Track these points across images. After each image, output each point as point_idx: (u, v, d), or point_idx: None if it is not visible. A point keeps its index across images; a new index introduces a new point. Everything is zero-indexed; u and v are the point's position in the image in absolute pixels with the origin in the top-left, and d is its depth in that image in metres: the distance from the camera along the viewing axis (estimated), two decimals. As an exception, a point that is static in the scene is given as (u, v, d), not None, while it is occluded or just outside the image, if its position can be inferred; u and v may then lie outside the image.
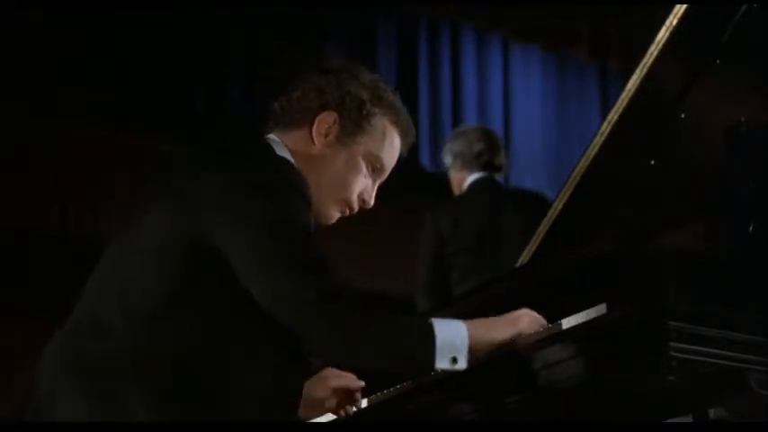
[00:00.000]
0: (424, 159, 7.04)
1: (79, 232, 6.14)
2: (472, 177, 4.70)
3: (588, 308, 1.99)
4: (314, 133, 2.26)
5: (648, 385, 1.94)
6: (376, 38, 7.24)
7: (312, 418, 2.46)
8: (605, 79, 7.92)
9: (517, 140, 7.60)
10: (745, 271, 2.01)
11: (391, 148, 2.30)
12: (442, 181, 5.04)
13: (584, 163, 2.80)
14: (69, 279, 2.56)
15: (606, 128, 2.75)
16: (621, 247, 2.14)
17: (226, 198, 2.07)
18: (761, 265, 2.03)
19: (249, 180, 2.09)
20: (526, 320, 2.13)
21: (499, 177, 4.82)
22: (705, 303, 1.93)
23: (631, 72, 2.70)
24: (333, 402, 2.43)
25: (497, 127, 7.15)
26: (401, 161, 2.36)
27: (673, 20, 2.61)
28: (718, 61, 2.59)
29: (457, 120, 7.27)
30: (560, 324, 2.04)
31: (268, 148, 2.21)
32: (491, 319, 2.14)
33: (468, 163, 4.71)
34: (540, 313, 2.14)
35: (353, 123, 2.26)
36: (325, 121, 2.25)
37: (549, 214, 2.89)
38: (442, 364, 2.04)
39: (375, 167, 2.29)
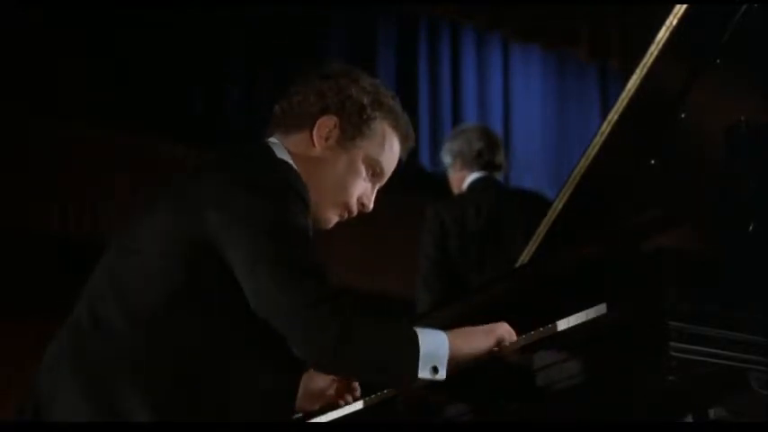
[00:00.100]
0: (424, 159, 7.04)
1: (79, 232, 6.14)
2: (472, 177, 4.69)
3: (588, 308, 1.99)
4: (314, 136, 2.26)
5: (648, 385, 1.94)
6: (376, 38, 7.23)
7: (314, 410, 2.47)
8: (605, 79, 7.92)
9: (517, 140, 7.60)
10: (745, 271, 2.01)
11: (391, 153, 2.31)
12: (441, 181, 5.04)
13: (584, 163, 2.80)
14: (69, 279, 2.56)
15: (606, 128, 2.75)
16: (622, 246, 2.14)
17: (225, 197, 2.08)
18: (761, 265, 2.03)
19: (249, 180, 2.10)
20: (504, 329, 2.15)
21: (499, 176, 4.82)
22: (705, 303, 1.93)
23: (631, 72, 2.70)
24: (332, 391, 2.44)
25: (497, 127, 7.15)
26: (401, 161, 2.37)
27: (673, 20, 2.61)
28: (718, 61, 2.58)
29: (457, 119, 7.26)
30: (555, 326, 2.04)
31: (268, 151, 2.22)
32: (468, 328, 2.15)
33: (468, 162, 4.70)
34: (540, 313, 2.14)
35: (354, 127, 2.26)
36: (326, 125, 2.26)
37: (549, 214, 2.89)
38: (423, 374, 2.04)
39: (375, 171, 2.30)
